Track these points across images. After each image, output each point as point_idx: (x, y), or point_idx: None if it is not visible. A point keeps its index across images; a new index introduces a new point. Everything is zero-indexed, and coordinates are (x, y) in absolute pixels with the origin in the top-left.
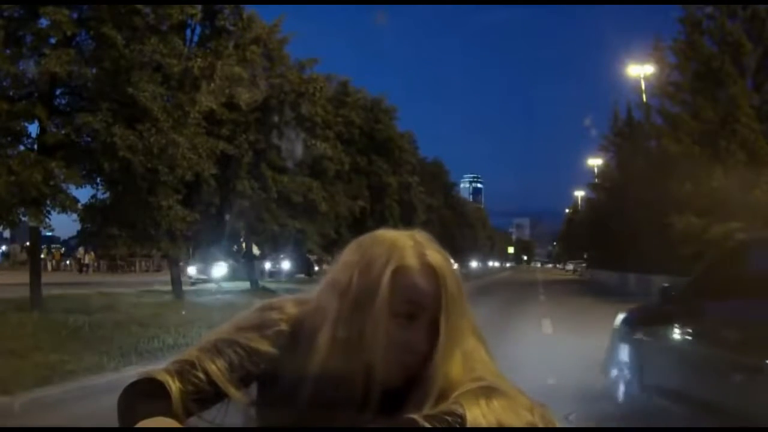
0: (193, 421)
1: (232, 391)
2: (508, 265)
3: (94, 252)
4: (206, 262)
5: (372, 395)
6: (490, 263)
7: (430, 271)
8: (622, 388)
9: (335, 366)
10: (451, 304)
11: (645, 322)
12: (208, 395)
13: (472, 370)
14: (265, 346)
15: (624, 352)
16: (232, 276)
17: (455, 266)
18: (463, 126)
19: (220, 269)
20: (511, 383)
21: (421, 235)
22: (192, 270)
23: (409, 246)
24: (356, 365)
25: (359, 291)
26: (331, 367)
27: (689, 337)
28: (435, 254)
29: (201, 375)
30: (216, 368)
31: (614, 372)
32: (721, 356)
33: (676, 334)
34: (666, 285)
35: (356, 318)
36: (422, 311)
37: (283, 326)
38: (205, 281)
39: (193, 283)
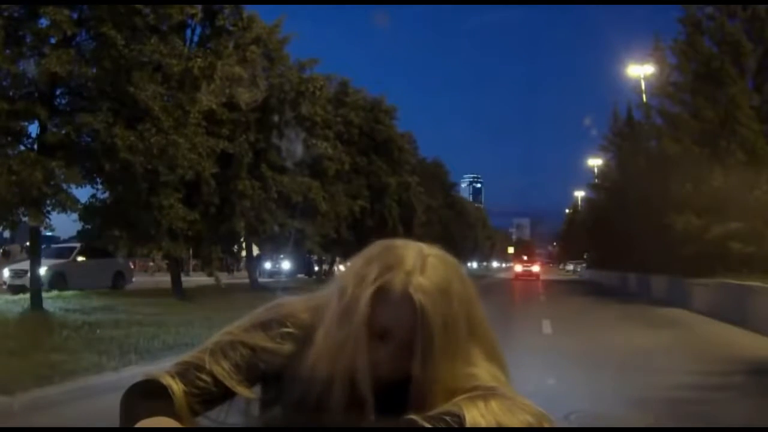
0: (198, 421)
1: (239, 390)
2: (508, 265)
3: None
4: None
5: (356, 399)
6: (493, 263)
7: (408, 301)
8: None
9: (323, 368)
10: (431, 338)
11: None
12: (214, 396)
13: (474, 379)
14: (271, 345)
15: None
16: (56, 283)
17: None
18: (463, 126)
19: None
20: (513, 389)
21: (433, 256)
22: (6, 273)
23: (406, 268)
24: (339, 370)
25: (349, 301)
26: (320, 369)
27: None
28: (424, 283)
29: (206, 377)
30: (221, 369)
31: None
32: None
33: None
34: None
35: (341, 327)
36: (391, 336)
37: (291, 325)
38: (21, 288)
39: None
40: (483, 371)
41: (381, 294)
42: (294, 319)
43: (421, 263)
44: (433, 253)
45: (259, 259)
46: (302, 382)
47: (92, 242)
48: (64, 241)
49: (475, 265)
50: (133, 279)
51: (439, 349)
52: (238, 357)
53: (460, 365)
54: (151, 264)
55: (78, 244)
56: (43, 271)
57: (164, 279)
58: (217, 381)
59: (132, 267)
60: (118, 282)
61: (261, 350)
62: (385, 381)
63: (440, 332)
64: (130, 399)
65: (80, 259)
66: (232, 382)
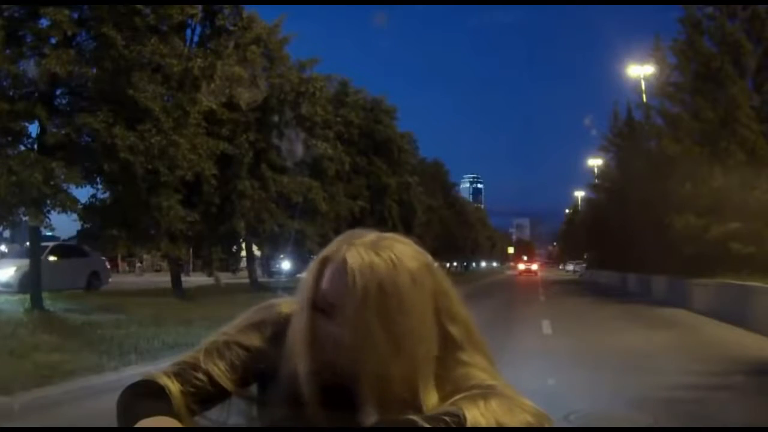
0: (197, 420)
1: (235, 390)
2: (507, 264)
3: None
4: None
5: (328, 392)
6: (492, 263)
7: (342, 267)
8: None
9: (293, 362)
10: (364, 305)
11: None
12: (211, 395)
13: (470, 378)
14: (264, 345)
15: None
16: (25, 284)
17: (417, 269)
18: (463, 125)
19: (6, 272)
20: (511, 386)
21: (392, 238)
22: None
23: (354, 242)
24: (308, 360)
25: (302, 284)
26: (291, 363)
27: None
28: (362, 252)
29: (202, 376)
30: (217, 369)
31: None
32: None
33: None
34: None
35: (301, 311)
36: (332, 306)
37: (282, 326)
38: None
39: None
40: (478, 369)
41: (322, 264)
42: (286, 320)
43: (374, 239)
44: (393, 236)
45: (260, 259)
46: (284, 380)
47: (65, 241)
48: (64, 240)
49: (474, 264)
50: (110, 279)
51: (380, 317)
52: (233, 356)
53: (427, 352)
54: (139, 264)
55: (50, 243)
56: (12, 272)
57: (155, 279)
58: (212, 380)
59: (108, 267)
60: (93, 283)
61: (256, 350)
62: (346, 372)
63: (380, 297)
64: (127, 399)
65: (52, 258)
66: (227, 382)
